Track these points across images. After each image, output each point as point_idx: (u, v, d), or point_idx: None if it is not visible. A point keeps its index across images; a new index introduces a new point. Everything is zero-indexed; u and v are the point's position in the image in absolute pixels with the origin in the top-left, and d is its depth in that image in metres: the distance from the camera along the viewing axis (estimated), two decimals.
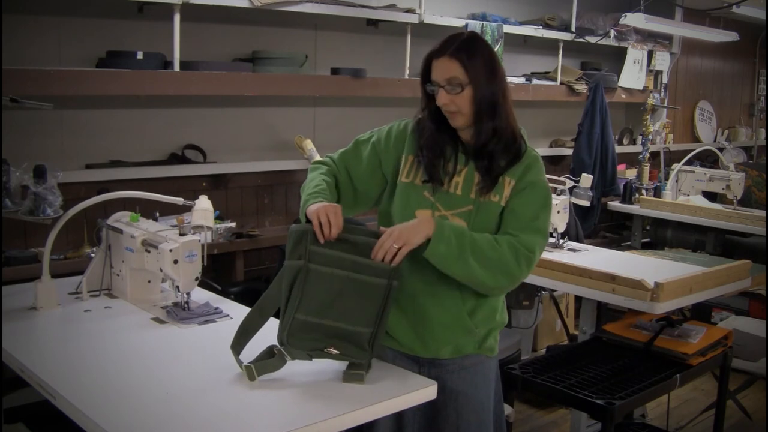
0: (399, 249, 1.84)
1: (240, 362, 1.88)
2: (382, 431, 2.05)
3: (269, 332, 1.93)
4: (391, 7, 4.24)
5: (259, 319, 1.95)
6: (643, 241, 5.46)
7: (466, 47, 1.94)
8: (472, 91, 1.93)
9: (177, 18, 3.27)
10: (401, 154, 2.06)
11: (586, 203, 4.06)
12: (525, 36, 4.94)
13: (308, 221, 1.90)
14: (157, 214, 2.61)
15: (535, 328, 4.43)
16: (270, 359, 1.87)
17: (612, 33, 5.46)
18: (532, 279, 3.16)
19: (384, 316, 1.89)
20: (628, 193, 5.38)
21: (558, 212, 3.47)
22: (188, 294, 2.36)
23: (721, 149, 6.16)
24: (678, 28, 5.94)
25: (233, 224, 3.77)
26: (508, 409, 2.89)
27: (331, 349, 1.86)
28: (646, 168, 5.56)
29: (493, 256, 1.90)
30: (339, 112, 4.38)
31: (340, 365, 1.91)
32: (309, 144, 3.99)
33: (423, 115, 2.05)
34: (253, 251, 3.98)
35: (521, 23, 4.94)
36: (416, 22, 4.21)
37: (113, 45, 3.34)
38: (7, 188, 2.88)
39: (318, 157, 3.76)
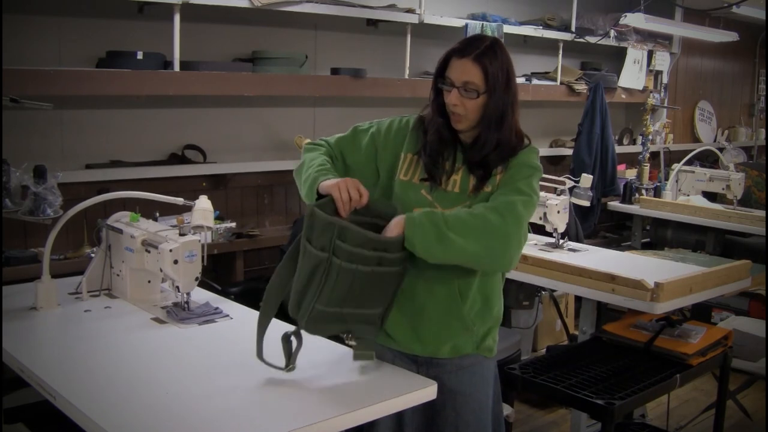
0: None
1: (289, 355, 1.88)
2: (382, 431, 2.05)
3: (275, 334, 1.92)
4: (391, 7, 4.24)
5: (268, 311, 1.92)
6: (643, 241, 5.46)
7: (490, 54, 1.91)
8: (486, 99, 1.92)
9: (177, 18, 3.27)
10: (400, 151, 2.05)
11: (586, 203, 4.06)
12: (525, 36, 4.95)
13: (319, 197, 1.88)
14: (157, 214, 2.61)
15: (535, 328, 4.43)
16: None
17: (612, 33, 5.46)
18: (532, 279, 3.16)
19: (396, 293, 1.92)
20: (628, 193, 5.38)
21: (558, 212, 3.47)
22: (188, 294, 2.36)
23: (721, 149, 6.16)
24: (678, 28, 5.94)
25: (233, 224, 3.77)
26: (508, 409, 2.89)
27: (351, 342, 1.92)
28: (646, 168, 5.57)
29: (474, 223, 1.84)
30: (339, 112, 4.38)
31: (342, 359, 1.93)
32: None
33: (430, 110, 2.02)
34: (253, 251, 3.98)
35: (521, 23, 4.94)
36: (416, 22, 4.21)
37: (113, 45, 3.34)
38: (7, 188, 2.88)
39: None
